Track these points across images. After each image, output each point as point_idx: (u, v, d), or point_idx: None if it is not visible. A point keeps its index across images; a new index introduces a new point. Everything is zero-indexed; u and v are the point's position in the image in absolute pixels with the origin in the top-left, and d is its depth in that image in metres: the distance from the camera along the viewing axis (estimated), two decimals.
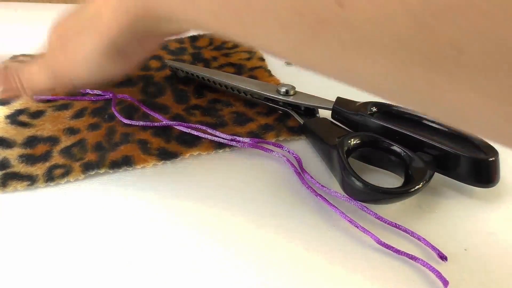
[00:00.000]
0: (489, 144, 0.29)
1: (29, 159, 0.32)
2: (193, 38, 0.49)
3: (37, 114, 0.36)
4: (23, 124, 0.35)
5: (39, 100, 0.38)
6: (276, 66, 0.44)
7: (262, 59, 0.45)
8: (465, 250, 0.26)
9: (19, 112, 0.36)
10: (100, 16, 0.26)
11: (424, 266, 0.25)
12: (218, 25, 0.21)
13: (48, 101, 0.38)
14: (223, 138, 0.33)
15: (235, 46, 0.47)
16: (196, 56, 0.45)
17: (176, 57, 0.45)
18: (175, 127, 0.34)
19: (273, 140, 0.34)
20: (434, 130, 0.31)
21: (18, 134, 0.34)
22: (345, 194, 0.29)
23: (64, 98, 0.38)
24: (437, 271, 0.24)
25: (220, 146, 0.33)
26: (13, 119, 0.36)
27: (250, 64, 0.44)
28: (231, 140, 0.33)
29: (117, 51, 0.27)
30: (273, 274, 0.25)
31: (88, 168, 0.31)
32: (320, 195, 0.29)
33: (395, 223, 0.27)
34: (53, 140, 0.34)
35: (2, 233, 0.27)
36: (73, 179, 0.31)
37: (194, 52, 0.46)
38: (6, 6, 0.58)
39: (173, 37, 0.29)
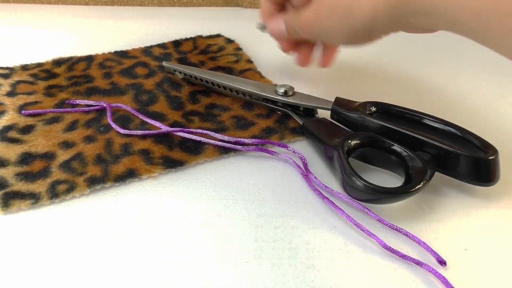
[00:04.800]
0: (489, 143, 0.30)
1: (28, 177, 0.31)
2: (176, 43, 0.48)
3: (27, 129, 0.35)
4: (14, 141, 0.34)
5: (27, 114, 0.36)
6: (265, 68, 0.44)
7: (250, 61, 0.45)
8: (466, 250, 0.27)
9: (7, 128, 0.35)
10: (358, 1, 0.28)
11: (430, 271, 0.25)
12: (478, 24, 0.22)
13: (36, 115, 0.37)
14: (227, 142, 0.33)
15: (221, 49, 0.47)
16: (182, 61, 0.45)
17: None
18: (176, 133, 0.34)
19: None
20: (434, 129, 0.32)
21: (10, 152, 0.33)
22: (347, 195, 0.29)
23: (53, 111, 0.37)
24: (443, 277, 0.25)
25: (225, 151, 0.33)
26: (2, 136, 0.34)
27: (239, 67, 0.44)
28: (236, 143, 0.33)
29: (363, 32, 0.29)
30: (274, 274, 0.25)
31: (94, 182, 0.30)
32: (327, 198, 0.30)
33: (396, 226, 0.28)
34: (49, 156, 0.33)
35: (10, 257, 0.26)
36: (78, 195, 0.30)
37: (180, 57, 0.45)
38: (6, 8, 0.56)
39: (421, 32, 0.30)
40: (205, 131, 0.34)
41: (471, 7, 0.22)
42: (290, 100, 0.36)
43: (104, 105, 0.37)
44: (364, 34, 0.29)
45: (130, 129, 0.35)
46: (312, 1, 0.32)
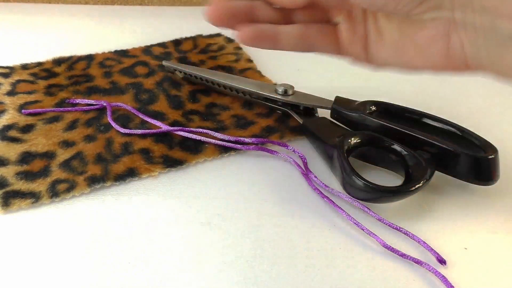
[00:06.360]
0: (489, 142, 0.30)
1: (28, 176, 0.31)
2: (176, 42, 0.48)
3: (27, 129, 0.35)
4: (14, 140, 0.34)
5: (27, 113, 0.36)
6: (265, 67, 0.44)
7: (250, 61, 0.45)
8: (465, 248, 0.27)
9: (8, 127, 0.35)
10: None
11: (430, 270, 0.25)
12: None
13: (36, 114, 0.37)
14: (228, 141, 0.33)
15: (221, 48, 0.47)
16: (182, 60, 0.45)
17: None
18: (176, 133, 0.34)
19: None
20: (434, 128, 0.32)
21: (11, 151, 0.33)
22: (346, 194, 0.29)
23: (53, 110, 0.37)
24: (443, 276, 0.25)
25: (225, 150, 0.33)
26: (2, 135, 0.34)
27: (240, 66, 0.44)
28: (236, 142, 0.33)
29: None
30: (274, 273, 0.25)
31: (94, 181, 0.30)
32: (327, 197, 0.30)
33: (396, 226, 0.28)
34: (49, 155, 0.33)
35: (10, 257, 0.26)
36: (78, 194, 0.30)
37: (180, 57, 0.45)
38: (6, 7, 0.56)
39: None
40: (205, 130, 0.34)
41: None
42: (290, 99, 0.36)
43: (104, 104, 0.37)
44: None
45: (130, 128, 0.35)
46: None
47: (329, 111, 0.35)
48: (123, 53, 0.46)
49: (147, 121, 0.35)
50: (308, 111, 0.36)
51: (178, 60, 0.45)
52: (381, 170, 0.32)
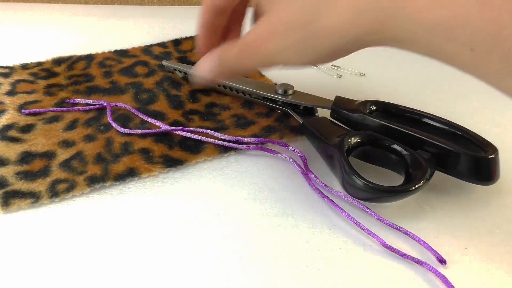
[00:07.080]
0: (489, 142, 0.30)
1: (28, 176, 0.31)
2: (176, 42, 0.48)
3: (27, 129, 0.35)
4: (14, 140, 0.34)
5: (27, 113, 0.36)
6: None
7: None
8: (466, 248, 0.27)
9: (7, 127, 0.35)
10: (336, 20, 0.25)
11: (430, 270, 0.25)
12: (447, 52, 0.23)
13: (36, 114, 0.37)
14: (228, 141, 0.33)
15: None
16: (183, 60, 0.45)
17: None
18: (176, 132, 0.34)
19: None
20: (434, 128, 0.32)
21: (10, 151, 0.33)
22: (347, 193, 0.29)
23: (53, 110, 0.37)
24: (443, 275, 0.25)
25: (225, 150, 0.33)
26: (2, 135, 0.34)
27: None
28: (236, 142, 0.33)
29: (325, 54, 0.27)
30: (274, 273, 0.25)
31: (94, 181, 0.30)
32: (327, 197, 0.30)
33: (396, 225, 0.28)
34: (49, 155, 0.33)
35: (10, 257, 0.26)
36: (78, 194, 0.30)
37: (180, 56, 0.45)
38: (6, 7, 0.56)
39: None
40: (205, 130, 0.34)
41: (441, 37, 0.22)
42: (290, 99, 0.36)
43: (104, 104, 0.37)
44: (327, 55, 0.27)
45: (130, 128, 0.35)
46: (264, 18, 0.27)
47: (329, 111, 0.35)
48: (123, 53, 0.46)
49: (147, 121, 0.35)
50: (308, 111, 0.36)
51: (178, 59, 0.45)
52: (381, 169, 0.32)
